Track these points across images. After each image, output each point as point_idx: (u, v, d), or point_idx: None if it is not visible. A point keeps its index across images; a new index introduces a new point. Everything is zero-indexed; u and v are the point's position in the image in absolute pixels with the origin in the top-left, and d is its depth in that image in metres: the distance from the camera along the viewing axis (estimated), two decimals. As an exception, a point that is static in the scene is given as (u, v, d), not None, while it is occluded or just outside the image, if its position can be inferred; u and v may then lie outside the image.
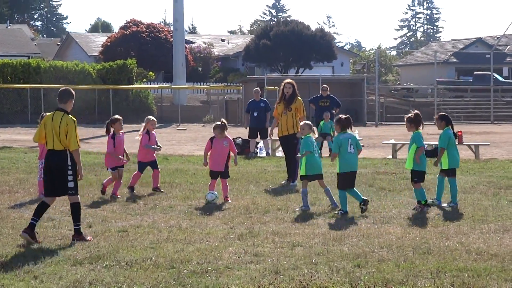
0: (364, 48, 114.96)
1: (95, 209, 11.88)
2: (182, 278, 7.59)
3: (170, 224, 10.52)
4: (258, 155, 21.49)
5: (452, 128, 12.47)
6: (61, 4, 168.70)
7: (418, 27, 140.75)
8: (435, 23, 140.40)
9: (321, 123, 21.80)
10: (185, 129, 37.38)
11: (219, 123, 13.17)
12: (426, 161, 12.17)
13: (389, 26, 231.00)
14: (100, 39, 65.45)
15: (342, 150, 11.54)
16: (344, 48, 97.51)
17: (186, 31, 79.84)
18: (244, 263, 8.23)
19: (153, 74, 55.43)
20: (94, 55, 61.50)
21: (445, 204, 12.12)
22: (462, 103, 51.19)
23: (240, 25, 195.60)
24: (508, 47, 68.44)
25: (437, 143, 12.54)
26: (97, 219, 10.93)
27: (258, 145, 22.03)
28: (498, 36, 61.16)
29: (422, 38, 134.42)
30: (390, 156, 21.11)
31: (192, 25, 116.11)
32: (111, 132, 13.34)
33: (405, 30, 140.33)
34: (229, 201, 12.62)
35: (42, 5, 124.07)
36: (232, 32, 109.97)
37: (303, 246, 9.06)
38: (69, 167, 9.45)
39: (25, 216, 10.94)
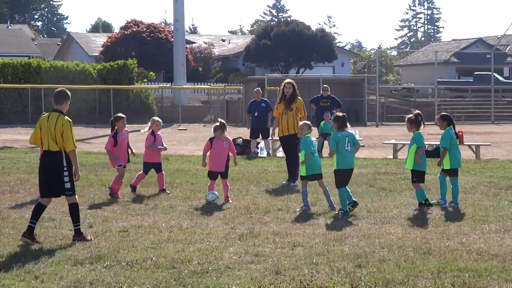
0: (364, 48, 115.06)
1: (96, 209, 11.88)
2: (183, 278, 7.59)
3: (171, 224, 10.52)
4: (259, 155, 21.48)
5: (454, 128, 12.46)
6: (62, 4, 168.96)
7: (418, 27, 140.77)
8: (435, 23, 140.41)
9: (322, 123, 21.81)
10: (186, 129, 37.39)
11: (218, 124, 13.14)
12: (426, 161, 12.17)
13: (389, 26, 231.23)
14: (100, 39, 65.48)
15: (340, 147, 11.58)
16: (345, 48, 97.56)
17: (187, 31, 79.89)
18: (245, 263, 8.23)
19: (154, 74, 55.44)
20: (94, 55, 61.54)
21: (445, 205, 12.11)
22: (463, 103, 51.18)
23: (240, 25, 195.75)
24: (509, 47, 68.43)
25: (438, 143, 12.54)
26: (98, 219, 10.93)
27: (259, 145, 22.02)
28: (499, 36, 61.15)
29: (422, 38, 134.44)
30: (391, 156, 21.10)
31: (192, 25, 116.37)
32: (114, 131, 13.35)
33: (405, 30, 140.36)
34: (230, 201, 12.62)
35: (42, 5, 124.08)
36: (232, 32, 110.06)
37: (303, 246, 9.06)
38: (65, 168, 9.42)
39: (25, 216, 10.93)
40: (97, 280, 7.52)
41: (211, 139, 13.07)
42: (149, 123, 14.04)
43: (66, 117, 9.47)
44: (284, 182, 14.99)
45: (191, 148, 24.87)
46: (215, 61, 65.32)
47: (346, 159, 11.61)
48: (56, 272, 7.83)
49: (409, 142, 12.21)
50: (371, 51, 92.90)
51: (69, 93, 9.71)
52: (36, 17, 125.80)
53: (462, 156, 12.85)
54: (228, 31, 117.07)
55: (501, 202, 12.50)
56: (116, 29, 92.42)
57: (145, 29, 59.26)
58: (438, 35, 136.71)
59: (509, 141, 28.44)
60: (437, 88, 49.11)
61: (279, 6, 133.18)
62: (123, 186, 13.54)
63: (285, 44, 57.48)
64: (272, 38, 58.27)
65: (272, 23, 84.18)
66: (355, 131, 13.40)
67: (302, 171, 12.17)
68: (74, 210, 9.55)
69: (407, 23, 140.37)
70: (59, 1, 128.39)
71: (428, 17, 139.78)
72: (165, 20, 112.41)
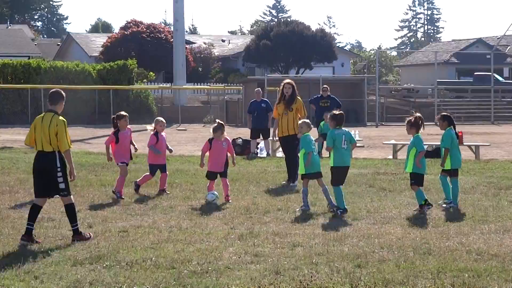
0: (364, 49, 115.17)
1: (96, 209, 11.87)
2: (183, 278, 7.59)
3: (171, 224, 10.52)
4: (259, 155, 21.48)
5: (454, 128, 12.46)
6: (62, 4, 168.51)
7: (418, 28, 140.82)
8: (435, 24, 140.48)
9: (322, 123, 21.78)
10: (185, 130, 37.38)
11: (217, 124, 13.13)
12: (426, 164, 12.18)
13: (389, 26, 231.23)
14: (100, 40, 65.46)
15: (336, 145, 11.62)
16: (345, 48, 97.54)
17: (187, 31, 79.86)
18: (245, 263, 8.23)
19: (154, 74, 55.43)
20: (94, 56, 61.50)
21: (445, 205, 12.12)
22: (463, 103, 51.19)
23: (240, 26, 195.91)
24: (509, 47, 68.44)
25: (437, 143, 12.55)
26: (98, 219, 10.93)
27: (259, 146, 22.02)
28: (499, 37, 61.12)
29: (422, 39, 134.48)
30: (391, 157, 21.11)
31: (192, 25, 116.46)
32: (116, 128, 13.34)
33: (405, 31, 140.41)
34: (230, 200, 12.61)
35: (42, 6, 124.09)
36: (232, 33, 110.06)
37: (303, 246, 9.06)
38: (58, 169, 9.37)
39: (25, 216, 10.88)
40: (96, 280, 7.52)
41: (210, 140, 13.06)
42: (153, 124, 14.04)
43: (61, 117, 9.44)
44: (284, 182, 15.00)
45: (190, 148, 24.87)
46: (215, 62, 65.31)
47: (343, 156, 11.67)
48: (56, 272, 7.83)
49: (408, 143, 12.22)
50: (371, 51, 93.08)
51: (63, 93, 9.68)
52: (36, 17, 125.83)
53: (461, 157, 12.85)
54: (228, 32, 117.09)
55: (501, 202, 12.50)
56: (116, 29, 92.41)
57: (145, 29, 59.25)
58: (438, 36, 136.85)
59: (508, 141, 28.45)
60: (437, 88, 49.11)
61: (279, 7, 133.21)
62: (125, 184, 13.46)
63: (285, 44, 57.48)
64: (272, 39, 58.27)
65: (272, 23, 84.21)
66: (355, 132, 13.41)
67: (302, 169, 12.17)
68: (70, 211, 9.54)
69: (407, 23, 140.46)
70: (59, 1, 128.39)
71: (428, 18, 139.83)
72: (165, 20, 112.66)
